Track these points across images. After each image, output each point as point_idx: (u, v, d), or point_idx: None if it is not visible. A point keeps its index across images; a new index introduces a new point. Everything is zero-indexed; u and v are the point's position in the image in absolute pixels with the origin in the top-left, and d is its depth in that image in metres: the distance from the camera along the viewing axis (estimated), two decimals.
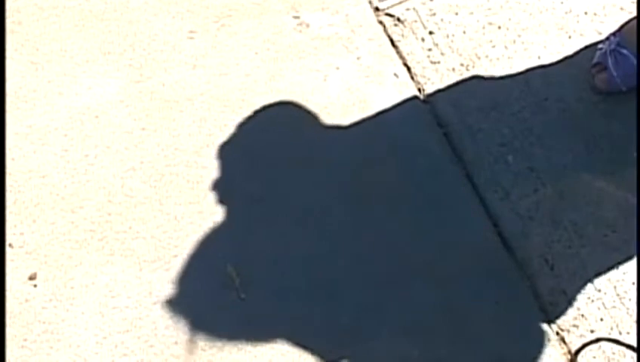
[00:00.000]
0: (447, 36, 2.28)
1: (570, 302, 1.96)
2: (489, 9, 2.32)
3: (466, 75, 2.23)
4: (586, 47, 2.25)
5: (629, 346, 1.90)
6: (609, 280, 1.98)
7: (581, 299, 1.96)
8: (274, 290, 1.95)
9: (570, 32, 2.28)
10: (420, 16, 2.31)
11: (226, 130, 2.14)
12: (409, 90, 2.20)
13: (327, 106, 2.17)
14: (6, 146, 2.08)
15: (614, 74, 2.15)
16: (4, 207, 1.99)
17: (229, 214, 2.04)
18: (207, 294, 1.94)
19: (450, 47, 2.27)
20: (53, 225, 2.01)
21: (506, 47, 2.26)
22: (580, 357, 1.90)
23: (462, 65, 2.24)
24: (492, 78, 2.22)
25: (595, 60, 2.19)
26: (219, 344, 1.89)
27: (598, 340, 1.91)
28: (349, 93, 2.19)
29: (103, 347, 1.89)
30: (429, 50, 2.27)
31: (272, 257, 1.99)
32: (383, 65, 2.23)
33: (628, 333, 1.93)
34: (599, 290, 1.97)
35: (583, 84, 2.20)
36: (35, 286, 1.95)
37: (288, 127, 2.15)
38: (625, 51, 2.15)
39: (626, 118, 2.15)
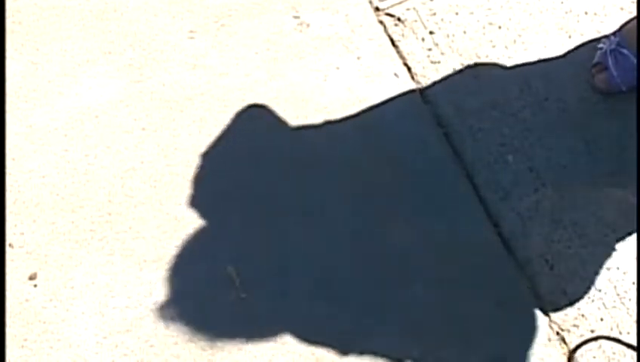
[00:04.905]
0: (448, 36, 2.28)
1: (570, 301, 1.96)
2: (489, 9, 2.32)
3: (467, 75, 2.23)
4: (586, 47, 2.25)
5: (628, 345, 1.90)
6: (609, 280, 1.98)
7: (581, 298, 1.96)
8: (274, 290, 1.95)
9: (571, 32, 2.28)
10: (420, 16, 2.31)
11: (226, 130, 2.14)
12: (409, 90, 2.20)
13: (327, 106, 2.17)
14: (6, 146, 2.08)
15: (614, 74, 2.15)
16: (4, 207, 1.99)
17: (229, 214, 2.04)
18: (207, 294, 1.94)
19: (450, 47, 2.27)
20: (54, 225, 2.01)
21: (506, 47, 2.26)
22: (580, 357, 1.90)
23: (462, 65, 2.24)
24: (492, 78, 2.22)
25: (595, 60, 2.20)
26: (219, 344, 1.90)
27: (597, 338, 1.91)
28: (349, 93, 2.19)
29: (103, 347, 1.89)
30: (430, 50, 2.27)
31: (272, 257, 1.99)
32: (383, 65, 2.23)
33: (628, 333, 1.93)
34: (599, 290, 1.97)
35: (583, 84, 2.20)
36: (35, 286, 1.95)
37: (288, 127, 2.15)
38: (625, 51, 2.15)
39: (626, 117, 2.15)
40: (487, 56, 2.25)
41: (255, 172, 2.09)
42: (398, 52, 2.26)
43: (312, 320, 1.93)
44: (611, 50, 2.16)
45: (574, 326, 1.94)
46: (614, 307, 1.95)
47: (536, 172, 2.10)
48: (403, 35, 2.29)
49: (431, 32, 2.29)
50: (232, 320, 1.92)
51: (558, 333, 1.93)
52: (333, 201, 2.05)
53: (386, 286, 1.97)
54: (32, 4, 2.30)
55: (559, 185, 2.09)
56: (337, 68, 2.23)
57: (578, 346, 1.90)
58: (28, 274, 1.96)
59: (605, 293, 1.97)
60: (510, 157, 2.12)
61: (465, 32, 2.29)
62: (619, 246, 2.01)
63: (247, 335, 1.91)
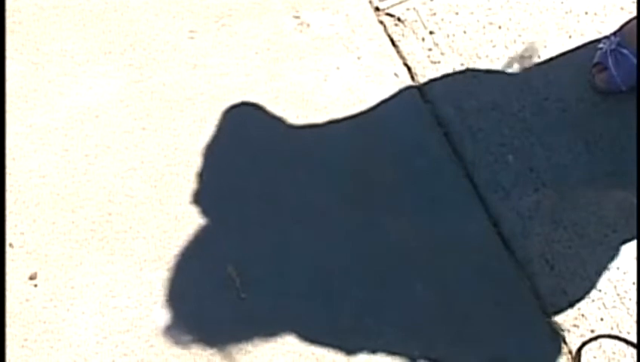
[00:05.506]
0: (448, 36, 2.28)
1: (570, 302, 1.96)
2: (489, 9, 2.32)
3: (467, 75, 2.23)
4: (586, 47, 2.25)
5: (628, 342, 1.89)
6: (609, 280, 1.98)
7: (581, 298, 1.96)
8: (274, 290, 1.96)
9: (571, 32, 2.28)
10: (420, 16, 2.31)
11: (226, 130, 2.14)
12: (409, 90, 2.20)
13: (327, 106, 2.17)
14: (6, 146, 2.08)
15: (614, 73, 2.15)
16: (4, 206, 1.99)
17: (229, 214, 2.04)
18: (207, 294, 1.95)
19: (450, 46, 2.27)
20: (54, 225, 2.01)
21: (506, 46, 2.26)
22: (580, 357, 1.90)
23: (462, 65, 2.24)
24: (492, 78, 2.22)
25: (595, 60, 2.20)
26: (219, 344, 1.90)
27: (597, 337, 1.91)
28: (349, 93, 2.19)
29: (103, 347, 1.89)
30: (430, 50, 2.27)
31: (272, 257, 1.99)
32: (383, 65, 2.23)
33: (628, 333, 1.93)
34: (599, 290, 1.97)
35: (583, 84, 2.20)
36: (35, 286, 1.95)
37: (288, 127, 2.15)
38: (625, 51, 2.15)
39: (626, 117, 2.15)
40: (487, 56, 2.25)
41: (255, 172, 2.09)
42: (398, 52, 2.26)
43: (311, 320, 1.93)
44: (611, 50, 2.16)
45: (574, 326, 1.94)
46: (614, 307, 1.95)
47: (536, 172, 2.10)
48: (403, 35, 2.29)
49: (431, 32, 2.29)
50: (232, 320, 1.92)
51: (558, 333, 1.93)
52: (333, 201, 2.05)
53: (385, 286, 1.97)
54: (32, 4, 2.30)
55: (559, 185, 2.09)
56: (337, 68, 2.23)
57: (580, 347, 1.90)
58: (28, 274, 1.96)
59: (605, 293, 1.97)
60: (510, 157, 2.12)
61: (465, 32, 2.29)
62: (619, 246, 2.01)
63: (247, 335, 1.91)
